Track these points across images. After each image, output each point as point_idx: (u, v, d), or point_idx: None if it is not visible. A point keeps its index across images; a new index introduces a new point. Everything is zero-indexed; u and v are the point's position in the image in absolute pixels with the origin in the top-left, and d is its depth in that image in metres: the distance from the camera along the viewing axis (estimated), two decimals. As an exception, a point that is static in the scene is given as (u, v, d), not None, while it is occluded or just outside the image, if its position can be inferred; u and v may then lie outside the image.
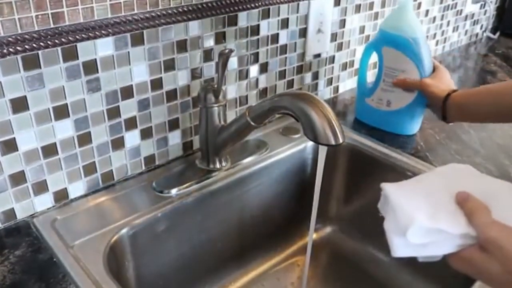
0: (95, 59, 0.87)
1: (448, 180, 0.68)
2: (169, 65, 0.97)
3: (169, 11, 0.92)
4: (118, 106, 0.93)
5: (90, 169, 0.94)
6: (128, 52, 0.90)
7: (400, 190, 0.67)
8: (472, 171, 0.74)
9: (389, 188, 0.68)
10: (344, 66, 1.41)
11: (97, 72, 0.88)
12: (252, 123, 0.90)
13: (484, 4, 1.95)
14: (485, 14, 2.00)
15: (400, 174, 1.06)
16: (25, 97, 0.80)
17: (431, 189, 0.67)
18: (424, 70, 1.12)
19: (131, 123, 0.97)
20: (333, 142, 0.75)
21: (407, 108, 1.17)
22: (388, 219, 0.65)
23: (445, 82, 1.10)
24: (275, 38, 1.15)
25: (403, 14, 1.12)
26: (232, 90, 1.12)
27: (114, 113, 0.93)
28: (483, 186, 0.66)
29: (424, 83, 1.09)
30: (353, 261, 1.17)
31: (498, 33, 2.08)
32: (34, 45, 0.78)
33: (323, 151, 0.79)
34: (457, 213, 0.62)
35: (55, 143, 0.87)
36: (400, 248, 0.62)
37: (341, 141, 0.75)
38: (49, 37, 0.79)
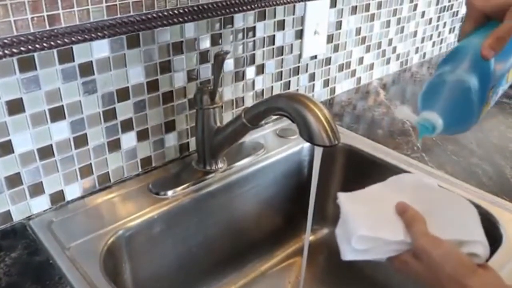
0: (91, 61, 0.87)
1: (396, 191, 0.77)
2: (165, 67, 0.97)
3: (165, 13, 0.92)
4: (114, 108, 0.93)
5: (86, 171, 0.94)
6: (124, 54, 0.90)
7: (351, 200, 0.76)
8: (421, 182, 0.83)
9: (342, 198, 0.77)
10: (341, 68, 1.41)
11: (93, 74, 0.88)
12: (248, 125, 0.90)
13: (480, 6, 1.96)
14: (481, 15, 2.00)
15: (396, 175, 1.06)
16: (21, 99, 0.80)
17: (378, 199, 0.76)
18: None
19: (127, 125, 0.97)
20: (328, 143, 0.76)
21: None
22: (339, 226, 0.73)
23: None
24: (271, 39, 1.16)
25: None
26: (228, 91, 1.12)
27: (110, 115, 0.93)
28: (425, 198, 0.75)
29: None
30: (350, 262, 1.17)
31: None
32: (30, 47, 0.78)
33: (318, 152, 0.79)
34: (397, 222, 0.70)
35: (51, 145, 0.87)
36: (347, 252, 0.70)
37: (336, 142, 0.76)
38: (45, 39, 0.79)
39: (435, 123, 0.65)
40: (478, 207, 0.92)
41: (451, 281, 0.63)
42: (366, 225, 0.69)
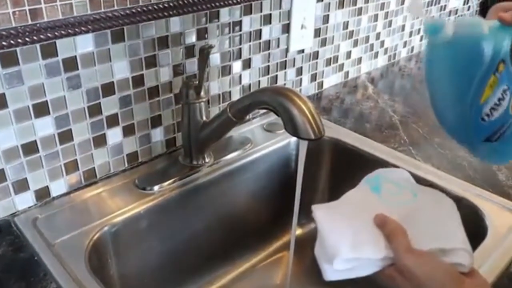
0: (75, 56, 0.86)
1: (372, 196, 0.75)
2: (151, 62, 0.97)
3: (150, 7, 0.92)
4: (100, 103, 0.93)
5: (71, 166, 0.94)
6: (109, 48, 0.90)
7: (327, 215, 0.73)
8: (396, 179, 0.80)
9: (318, 214, 0.73)
10: (328, 62, 1.41)
11: (77, 69, 0.87)
12: (234, 119, 0.90)
13: (467, 0, 1.96)
14: (468, 9, 2.01)
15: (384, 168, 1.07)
16: (3, 94, 0.80)
17: (355, 210, 0.73)
18: None
19: (113, 120, 0.96)
20: (313, 136, 0.75)
21: None
22: (318, 245, 0.71)
23: None
24: (257, 34, 1.15)
25: None
26: (215, 86, 1.12)
27: (95, 110, 0.93)
28: (402, 200, 0.73)
29: None
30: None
31: (482, 28, 2.09)
32: (12, 41, 0.77)
33: (303, 145, 0.79)
34: (378, 237, 0.67)
35: (35, 141, 0.87)
36: (329, 273, 0.68)
37: (321, 135, 0.75)
38: (27, 33, 0.78)
39: (444, 24, 0.64)
40: (463, 199, 0.93)
41: None
42: (346, 245, 0.67)
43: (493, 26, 0.64)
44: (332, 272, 0.68)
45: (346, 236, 0.68)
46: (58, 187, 0.93)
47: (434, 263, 0.63)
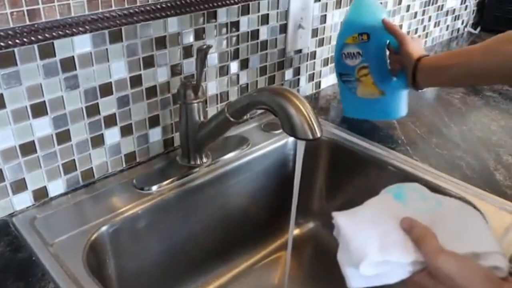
0: (73, 56, 0.86)
1: (395, 204, 0.71)
2: (149, 62, 0.97)
3: (148, 8, 0.92)
4: (97, 103, 0.93)
5: (69, 167, 0.94)
6: (107, 49, 0.90)
7: (351, 221, 0.68)
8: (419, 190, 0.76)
9: (340, 219, 0.69)
10: (326, 62, 1.41)
11: (75, 69, 0.87)
12: (231, 119, 0.90)
13: (465, 0, 1.97)
14: (466, 9, 2.02)
15: (381, 168, 1.07)
16: (1, 94, 0.80)
17: (379, 216, 0.68)
18: None
19: (110, 120, 0.96)
20: (310, 137, 0.76)
21: (392, 91, 1.17)
22: (342, 251, 0.66)
23: (421, 48, 1.09)
24: (255, 34, 1.15)
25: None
26: (212, 86, 1.12)
27: (93, 110, 0.93)
28: (427, 207, 0.69)
29: (407, 39, 1.07)
30: (336, 255, 1.17)
31: (479, 28, 2.09)
32: (10, 42, 0.77)
33: (301, 145, 0.79)
34: (406, 241, 0.63)
35: (33, 141, 0.87)
36: (355, 279, 0.63)
37: (318, 135, 0.76)
38: (25, 34, 0.78)
39: None
40: (461, 199, 0.93)
41: None
42: (373, 248, 0.62)
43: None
44: (357, 278, 0.63)
45: (372, 238, 0.64)
46: (56, 187, 0.93)
47: (473, 266, 0.59)
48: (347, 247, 0.65)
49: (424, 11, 1.75)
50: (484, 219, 0.69)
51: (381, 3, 1.49)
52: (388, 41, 1.13)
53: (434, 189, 0.97)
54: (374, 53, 1.15)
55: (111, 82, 0.93)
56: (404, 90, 1.17)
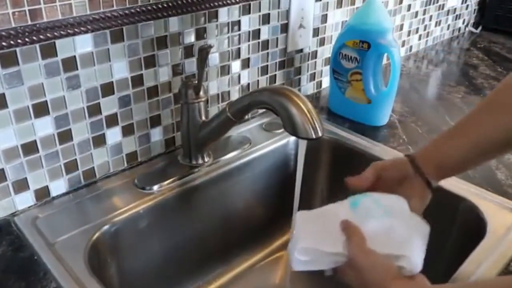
0: (75, 56, 0.86)
1: (346, 209, 0.78)
2: (150, 62, 0.97)
3: (149, 7, 0.92)
4: (99, 103, 0.93)
5: (71, 166, 0.94)
6: (108, 48, 0.90)
7: (304, 218, 0.77)
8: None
9: (297, 216, 0.78)
10: (327, 61, 1.41)
11: (77, 69, 0.87)
12: (233, 118, 0.90)
13: (466, -1, 1.97)
14: (467, 8, 2.02)
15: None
16: (3, 94, 0.80)
17: (330, 216, 0.77)
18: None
19: (112, 120, 0.96)
20: (312, 136, 0.76)
21: (379, 101, 1.22)
22: (290, 241, 0.75)
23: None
24: (256, 33, 1.16)
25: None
26: (214, 86, 1.12)
27: (94, 110, 0.93)
28: (374, 215, 0.76)
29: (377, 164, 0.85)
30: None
31: (480, 28, 2.09)
32: (12, 42, 0.77)
33: (303, 145, 0.80)
34: (339, 237, 0.73)
35: (35, 141, 0.87)
36: (294, 263, 0.73)
37: (320, 134, 0.76)
38: (26, 34, 0.78)
39: None
40: (462, 199, 0.93)
41: (375, 285, 0.67)
42: (308, 238, 0.73)
43: None
44: (295, 262, 0.72)
45: (311, 232, 0.74)
46: (57, 187, 0.93)
47: (377, 258, 0.69)
48: (293, 238, 0.75)
49: (425, 11, 1.75)
50: (426, 233, 0.74)
51: (381, 2, 1.49)
52: None
53: (435, 189, 0.97)
54: (371, 63, 1.18)
55: (112, 82, 0.93)
56: (390, 102, 1.23)
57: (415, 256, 0.69)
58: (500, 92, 0.76)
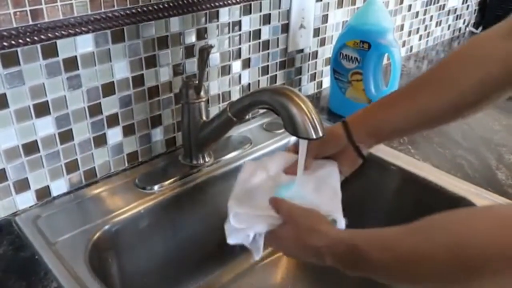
0: (76, 56, 0.86)
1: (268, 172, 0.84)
2: (151, 62, 0.97)
3: (150, 8, 0.92)
4: (100, 103, 0.93)
5: (72, 166, 0.94)
6: (109, 49, 0.90)
7: (234, 195, 0.81)
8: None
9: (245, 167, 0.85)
10: (327, 61, 1.41)
11: (78, 69, 0.87)
12: (233, 118, 0.90)
13: (467, -1, 1.97)
14: (467, 9, 2.01)
15: (383, 168, 1.07)
16: (4, 94, 0.80)
17: (255, 184, 0.82)
18: None
19: (113, 120, 0.96)
20: (313, 136, 0.76)
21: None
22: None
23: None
24: (257, 33, 1.16)
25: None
26: (214, 86, 1.12)
27: (95, 110, 0.93)
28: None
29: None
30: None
31: (480, 28, 2.09)
32: (13, 42, 0.77)
33: (303, 145, 0.80)
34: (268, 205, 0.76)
35: (36, 141, 0.87)
36: (230, 234, 0.75)
37: (320, 135, 0.76)
38: (28, 34, 0.79)
39: None
40: (463, 198, 0.93)
41: (308, 230, 0.69)
42: (240, 206, 0.76)
43: None
44: (232, 232, 0.75)
45: (243, 202, 0.78)
46: (58, 187, 0.94)
47: (311, 210, 0.73)
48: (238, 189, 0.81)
49: (425, 11, 1.75)
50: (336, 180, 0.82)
51: (382, 2, 1.49)
52: None
53: (435, 189, 0.98)
54: (371, 63, 1.18)
55: (113, 82, 0.93)
56: None
57: (340, 213, 0.75)
58: (439, 67, 0.80)
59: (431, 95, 0.77)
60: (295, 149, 0.84)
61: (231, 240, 0.75)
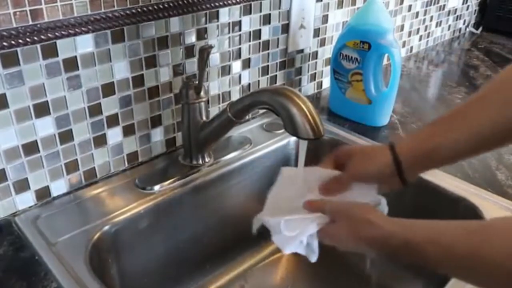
0: (75, 56, 0.86)
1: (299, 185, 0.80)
2: (151, 62, 0.97)
3: (150, 8, 0.92)
4: (100, 103, 0.93)
5: (72, 166, 0.94)
6: (109, 49, 0.90)
7: (267, 211, 0.79)
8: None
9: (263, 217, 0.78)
10: (327, 62, 1.41)
11: (78, 69, 0.87)
12: (233, 119, 0.90)
13: (467, 0, 1.97)
14: (467, 9, 2.02)
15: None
16: (4, 94, 0.80)
17: (287, 199, 0.78)
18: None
19: (113, 120, 0.96)
20: (312, 136, 0.76)
21: (379, 101, 1.22)
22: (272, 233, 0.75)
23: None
24: (257, 34, 1.16)
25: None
26: (214, 86, 1.12)
27: (95, 110, 0.93)
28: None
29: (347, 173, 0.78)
30: (339, 254, 1.17)
31: (480, 28, 2.09)
32: (13, 42, 0.77)
33: (303, 145, 0.79)
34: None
35: (36, 141, 0.87)
36: (284, 244, 0.72)
37: (320, 135, 0.76)
38: (28, 34, 0.79)
39: None
40: (462, 199, 0.93)
41: (363, 222, 0.67)
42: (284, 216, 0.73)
43: None
44: (285, 241, 0.72)
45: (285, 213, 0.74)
46: (58, 187, 0.94)
47: (355, 203, 0.72)
48: (269, 225, 0.75)
49: (425, 11, 1.75)
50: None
51: (383, 2, 1.49)
52: None
53: (435, 189, 0.98)
54: (371, 63, 1.18)
55: (113, 82, 0.93)
56: (391, 103, 1.23)
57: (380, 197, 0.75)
58: (499, 83, 0.71)
59: (495, 115, 0.68)
60: (331, 162, 0.79)
61: (287, 249, 0.72)
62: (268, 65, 1.23)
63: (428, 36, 1.85)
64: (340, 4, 1.35)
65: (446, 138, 0.70)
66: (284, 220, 0.72)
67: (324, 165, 0.79)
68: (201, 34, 1.04)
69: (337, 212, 0.71)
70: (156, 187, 0.96)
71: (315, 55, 1.36)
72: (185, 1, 0.97)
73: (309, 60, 1.35)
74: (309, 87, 1.40)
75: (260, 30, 1.16)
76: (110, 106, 0.95)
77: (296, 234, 0.71)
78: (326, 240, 0.72)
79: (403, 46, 1.74)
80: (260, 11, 1.14)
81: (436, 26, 1.87)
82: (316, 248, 0.72)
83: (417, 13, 1.71)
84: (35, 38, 0.80)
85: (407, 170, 0.72)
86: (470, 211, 0.92)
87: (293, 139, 1.14)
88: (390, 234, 0.64)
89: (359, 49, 1.17)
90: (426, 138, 0.72)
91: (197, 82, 0.95)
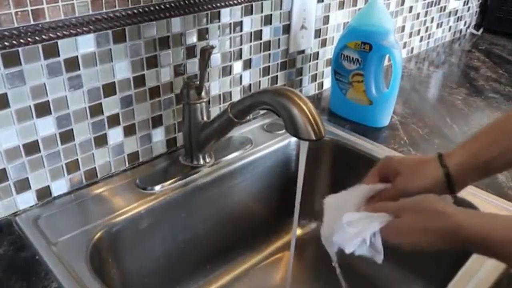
0: (77, 56, 0.86)
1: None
2: (152, 62, 0.97)
3: (151, 8, 0.92)
4: (101, 103, 0.93)
5: (73, 166, 0.94)
6: (110, 49, 0.90)
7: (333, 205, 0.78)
8: None
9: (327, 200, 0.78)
10: (328, 62, 1.41)
11: (79, 69, 0.87)
12: (234, 119, 0.90)
13: (467, 1, 1.97)
14: (468, 10, 2.02)
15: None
16: (5, 94, 0.80)
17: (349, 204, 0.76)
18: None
19: (114, 120, 0.96)
20: (313, 137, 0.76)
21: (380, 102, 1.22)
22: (325, 227, 0.75)
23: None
24: (258, 34, 1.16)
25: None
26: (215, 86, 1.12)
27: (96, 110, 0.93)
28: None
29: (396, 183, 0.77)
30: (338, 256, 1.18)
31: (481, 30, 2.09)
32: (14, 42, 0.77)
33: (304, 146, 0.80)
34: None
35: (37, 141, 0.87)
36: (346, 243, 0.69)
37: (321, 136, 0.76)
38: (29, 34, 0.79)
39: None
40: (463, 200, 0.93)
41: (431, 212, 0.64)
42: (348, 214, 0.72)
43: None
44: (346, 240, 0.69)
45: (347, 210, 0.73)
46: (59, 187, 0.94)
47: (420, 195, 0.69)
48: (329, 223, 0.74)
49: (426, 12, 1.75)
50: None
51: (384, 3, 1.49)
52: None
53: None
54: (372, 64, 1.18)
55: (114, 82, 0.93)
56: (391, 103, 1.24)
57: None
58: None
59: None
60: (376, 177, 0.78)
61: (349, 248, 0.70)
62: (269, 66, 1.23)
63: (429, 37, 1.85)
64: (341, 5, 1.35)
65: (494, 152, 0.70)
66: (347, 220, 0.70)
67: (368, 180, 0.78)
68: (203, 34, 1.04)
69: (401, 206, 0.69)
70: (157, 187, 0.96)
71: (316, 55, 1.36)
72: (186, 2, 0.97)
73: (310, 61, 1.35)
74: (310, 88, 1.40)
75: (261, 30, 1.16)
76: (111, 106, 0.95)
77: (359, 230, 0.69)
78: (391, 237, 0.69)
79: (404, 47, 1.74)
80: (262, 11, 1.14)
81: (437, 27, 1.87)
82: (381, 248, 0.69)
83: (418, 14, 1.71)
84: (37, 38, 0.80)
85: (457, 182, 0.72)
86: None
87: (294, 139, 1.14)
88: (462, 224, 0.62)
89: (360, 50, 1.17)
90: (476, 152, 0.72)
91: (198, 82, 0.95)
